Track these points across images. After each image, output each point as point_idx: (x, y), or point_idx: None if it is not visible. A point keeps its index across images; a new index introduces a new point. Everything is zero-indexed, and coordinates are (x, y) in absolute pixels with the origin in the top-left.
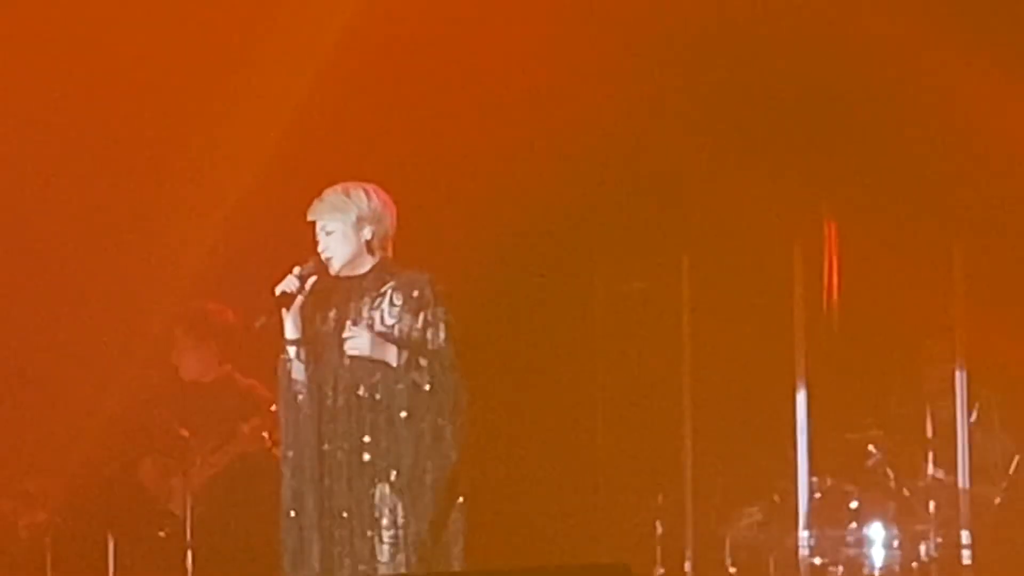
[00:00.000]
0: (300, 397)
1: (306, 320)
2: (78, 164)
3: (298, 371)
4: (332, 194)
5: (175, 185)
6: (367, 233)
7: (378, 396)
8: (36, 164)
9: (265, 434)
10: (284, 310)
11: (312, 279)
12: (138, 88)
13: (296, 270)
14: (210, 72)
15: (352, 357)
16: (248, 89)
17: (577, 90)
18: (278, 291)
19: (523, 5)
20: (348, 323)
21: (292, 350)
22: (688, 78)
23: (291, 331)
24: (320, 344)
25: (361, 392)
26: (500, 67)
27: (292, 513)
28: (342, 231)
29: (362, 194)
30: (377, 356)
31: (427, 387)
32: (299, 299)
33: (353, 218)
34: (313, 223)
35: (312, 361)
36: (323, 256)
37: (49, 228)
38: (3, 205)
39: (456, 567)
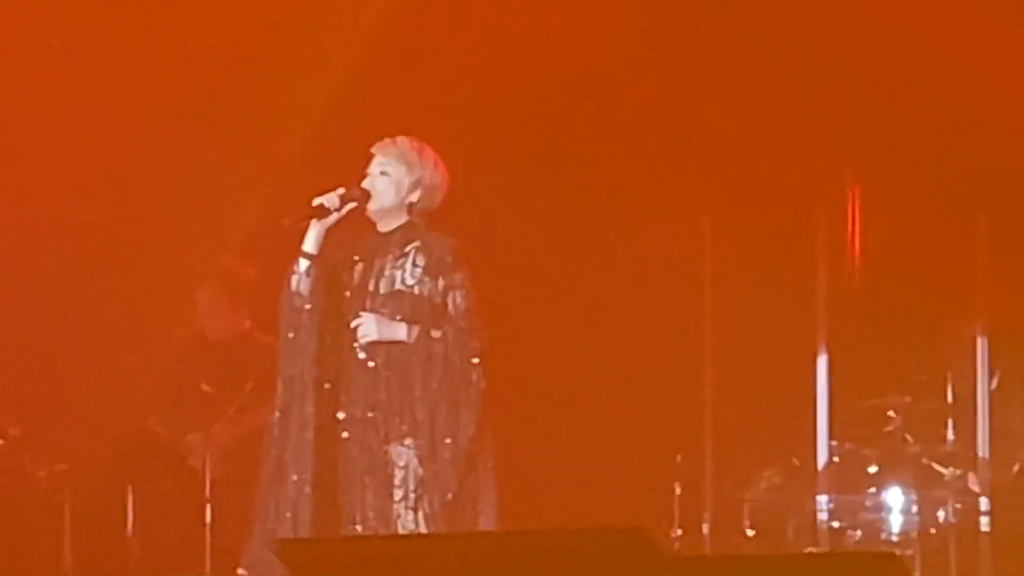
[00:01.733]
0: (303, 314)
1: (329, 261)
2: (112, 118)
3: (303, 286)
4: (406, 145)
5: (209, 146)
6: (415, 196)
7: (393, 363)
8: (73, 121)
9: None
10: (314, 221)
11: (351, 205)
12: (179, 46)
13: (340, 190)
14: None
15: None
16: (294, 55)
17: (599, 52)
18: (316, 202)
19: None
20: (371, 283)
21: (304, 264)
22: (711, 40)
23: (311, 244)
24: (340, 294)
25: (377, 358)
26: (525, 30)
27: (294, 455)
28: (397, 181)
29: (431, 162)
30: (387, 338)
31: (441, 359)
32: (332, 217)
33: (414, 177)
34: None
35: (319, 285)
36: (368, 190)
37: (72, 183)
38: (28, 167)
39: (483, 526)
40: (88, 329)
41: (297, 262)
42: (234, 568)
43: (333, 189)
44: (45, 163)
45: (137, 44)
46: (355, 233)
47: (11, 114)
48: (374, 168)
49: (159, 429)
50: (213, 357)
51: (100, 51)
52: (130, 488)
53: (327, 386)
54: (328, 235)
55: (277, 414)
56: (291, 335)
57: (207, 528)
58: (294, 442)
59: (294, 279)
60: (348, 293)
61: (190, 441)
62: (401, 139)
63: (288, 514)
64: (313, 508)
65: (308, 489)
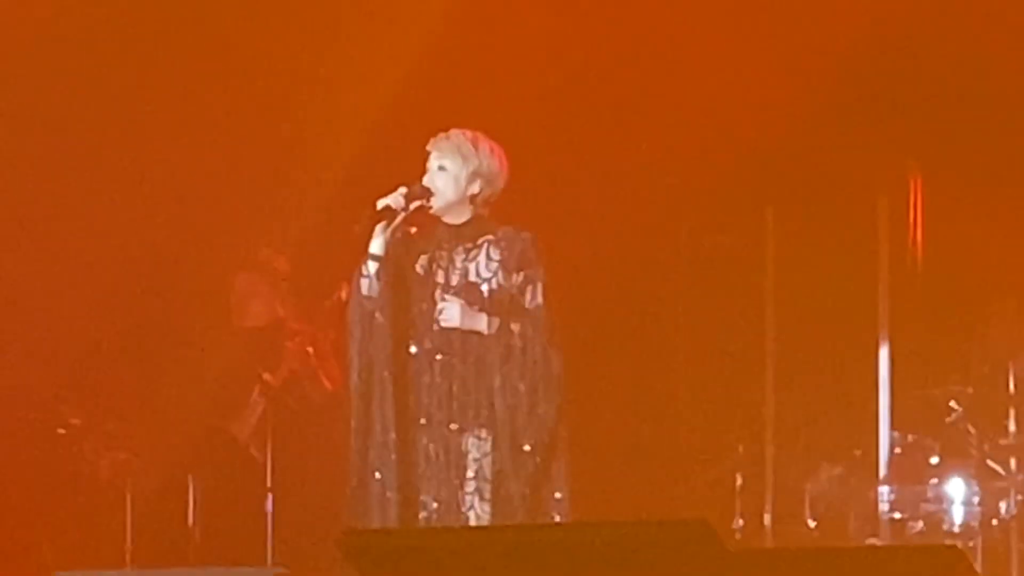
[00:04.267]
0: (374, 317)
1: (395, 259)
2: (168, 108)
3: (373, 289)
4: (460, 137)
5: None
6: (476, 187)
7: (470, 355)
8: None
9: (310, 349)
10: (382, 224)
11: (416, 203)
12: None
13: (403, 189)
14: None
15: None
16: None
17: (662, 44)
18: (381, 204)
19: None
20: (440, 274)
21: (373, 266)
22: (773, 31)
23: (377, 247)
24: (407, 288)
25: (453, 348)
26: (585, 23)
27: (362, 442)
28: (455, 175)
29: (487, 150)
30: (468, 327)
31: (520, 352)
32: (399, 217)
33: (471, 168)
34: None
35: (389, 287)
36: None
37: (135, 183)
38: (95, 168)
39: (555, 519)
40: (149, 319)
41: (365, 265)
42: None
43: (383, 187)
44: (109, 164)
45: (190, 42)
46: (419, 227)
47: (76, 120)
48: (432, 164)
49: (220, 418)
50: (273, 346)
51: (155, 49)
52: (191, 477)
53: (401, 381)
54: (392, 234)
55: (354, 421)
56: (364, 339)
57: (268, 518)
58: (377, 443)
59: (364, 283)
60: (417, 288)
61: (249, 430)
62: (454, 132)
63: (374, 513)
64: (398, 507)
65: (391, 494)
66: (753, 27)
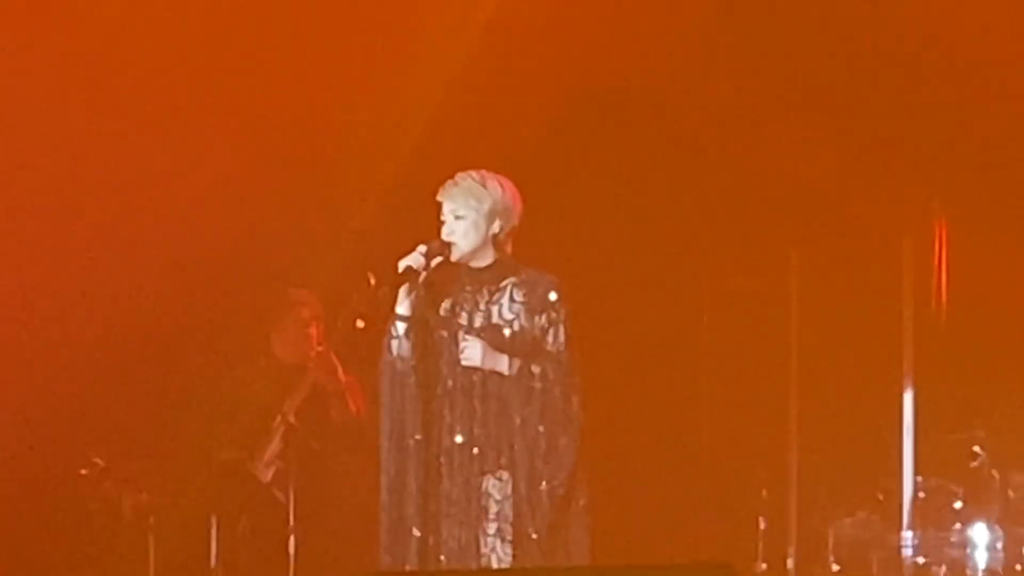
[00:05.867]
0: (406, 377)
1: (418, 303)
2: (201, 146)
3: (404, 349)
4: (468, 181)
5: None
6: (496, 227)
7: (491, 397)
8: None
9: (333, 357)
10: (406, 286)
11: (437, 259)
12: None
13: (422, 248)
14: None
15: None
16: (378, 85)
17: (686, 85)
18: (402, 265)
19: (643, 6)
20: (463, 316)
21: (401, 327)
22: (798, 73)
23: (404, 307)
24: (431, 331)
25: (474, 390)
26: (609, 68)
27: (391, 495)
28: (473, 220)
29: (498, 186)
30: (488, 366)
31: (540, 395)
32: (421, 276)
33: (486, 209)
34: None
35: (419, 345)
36: (447, 240)
37: (154, 225)
38: (114, 207)
39: (575, 561)
40: (171, 359)
41: (393, 326)
42: None
43: (409, 229)
44: (137, 204)
45: (224, 93)
46: (442, 275)
47: (106, 157)
48: (447, 215)
49: (243, 459)
50: (294, 388)
51: (185, 99)
52: (214, 518)
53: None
54: (417, 295)
55: (384, 477)
56: (396, 400)
57: (291, 560)
58: (412, 501)
59: (394, 344)
60: (440, 330)
61: (271, 466)
62: (460, 176)
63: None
64: (421, 550)
65: (417, 543)
66: (777, 69)
